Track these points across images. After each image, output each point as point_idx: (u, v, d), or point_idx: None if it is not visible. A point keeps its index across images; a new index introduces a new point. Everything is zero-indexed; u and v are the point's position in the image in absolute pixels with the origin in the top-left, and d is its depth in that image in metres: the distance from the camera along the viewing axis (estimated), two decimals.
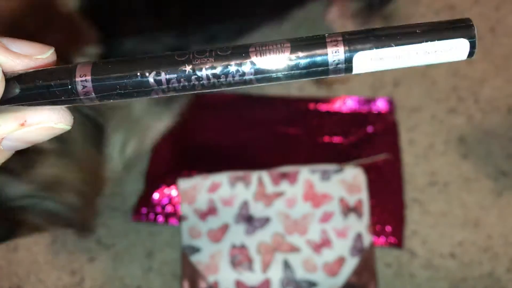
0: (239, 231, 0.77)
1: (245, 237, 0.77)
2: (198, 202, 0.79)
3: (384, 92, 0.93)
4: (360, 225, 0.78)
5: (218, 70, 0.21)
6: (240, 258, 0.76)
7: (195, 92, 0.21)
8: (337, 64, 0.20)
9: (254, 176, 0.80)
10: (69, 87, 0.21)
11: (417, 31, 0.20)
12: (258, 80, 0.21)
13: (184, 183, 0.80)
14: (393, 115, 0.89)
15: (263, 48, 0.20)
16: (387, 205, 0.81)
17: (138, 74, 0.21)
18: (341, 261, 0.75)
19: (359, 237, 0.77)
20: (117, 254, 0.81)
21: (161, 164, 0.85)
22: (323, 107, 0.90)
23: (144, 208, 0.82)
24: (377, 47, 0.20)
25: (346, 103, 0.90)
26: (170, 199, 0.82)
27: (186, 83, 0.21)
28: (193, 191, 0.80)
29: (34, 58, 0.22)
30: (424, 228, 0.82)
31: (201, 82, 0.21)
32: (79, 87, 0.21)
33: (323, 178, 0.79)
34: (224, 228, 0.78)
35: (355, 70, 0.20)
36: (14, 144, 0.23)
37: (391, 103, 0.90)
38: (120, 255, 0.81)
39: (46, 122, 0.22)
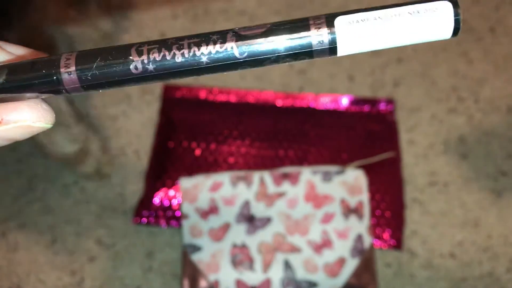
0: (240, 231, 0.78)
1: (246, 237, 0.77)
2: (200, 201, 0.79)
3: (384, 92, 0.93)
4: (360, 226, 0.78)
5: (204, 50, 0.20)
6: (241, 257, 0.76)
7: (182, 76, 0.21)
8: (321, 44, 0.20)
9: (256, 176, 0.80)
10: (54, 78, 0.21)
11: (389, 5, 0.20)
12: (245, 62, 0.20)
13: (186, 182, 0.80)
14: (393, 115, 0.90)
15: (246, 31, 0.20)
16: (387, 206, 0.81)
17: (123, 62, 0.21)
18: (341, 261, 0.76)
19: (359, 238, 0.77)
20: (117, 254, 0.81)
21: (161, 166, 0.85)
22: (323, 107, 0.90)
23: (144, 212, 0.82)
24: (357, 12, 0.20)
25: (346, 103, 0.90)
26: (171, 202, 0.82)
27: (171, 64, 0.21)
28: (195, 190, 0.80)
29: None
30: (424, 228, 0.82)
31: (187, 62, 0.20)
32: (65, 78, 0.21)
33: (324, 179, 0.80)
34: (225, 227, 0.78)
35: (340, 50, 0.20)
36: None
37: (391, 103, 0.90)
38: (120, 255, 0.81)
39: (24, 120, 0.22)
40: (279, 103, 0.91)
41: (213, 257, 0.77)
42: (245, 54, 0.20)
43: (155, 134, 0.89)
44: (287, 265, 0.76)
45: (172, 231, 0.82)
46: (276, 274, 0.76)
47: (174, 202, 0.82)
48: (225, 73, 0.21)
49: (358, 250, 0.77)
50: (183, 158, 0.84)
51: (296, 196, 0.79)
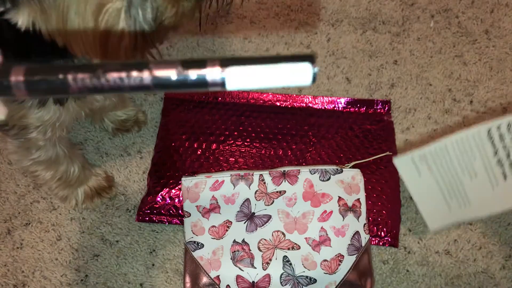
0: (240, 228, 0.79)
1: (246, 234, 0.79)
2: (201, 200, 0.81)
3: (381, 93, 0.95)
4: (357, 224, 0.79)
5: (123, 75, 0.25)
6: (241, 254, 0.78)
7: (104, 92, 0.26)
8: (214, 80, 0.25)
9: (256, 175, 0.81)
10: (5, 84, 0.26)
11: (274, 58, 0.25)
12: (155, 86, 0.25)
13: (187, 181, 0.82)
14: (389, 116, 0.91)
15: (159, 64, 0.26)
16: (384, 205, 0.83)
17: (61, 76, 0.26)
18: (339, 258, 0.77)
19: (357, 235, 0.78)
20: (120, 251, 0.82)
21: (163, 165, 0.86)
22: (321, 108, 0.91)
23: (147, 210, 0.84)
24: (243, 65, 0.25)
25: (344, 104, 0.92)
26: (173, 201, 0.83)
27: (97, 84, 0.26)
28: (196, 189, 0.81)
29: None
30: (420, 225, 0.84)
31: (109, 83, 0.26)
32: (13, 86, 0.26)
33: (322, 178, 0.81)
34: (226, 225, 0.79)
35: (228, 86, 0.25)
36: None
37: (387, 104, 0.92)
38: (123, 252, 0.82)
39: None
40: (279, 104, 0.92)
41: (214, 254, 0.78)
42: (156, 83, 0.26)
43: (158, 134, 0.90)
44: (287, 262, 0.77)
45: (174, 229, 0.84)
46: (276, 270, 0.77)
47: (176, 200, 0.83)
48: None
49: (356, 247, 0.78)
50: (185, 158, 0.85)
51: (295, 195, 0.80)
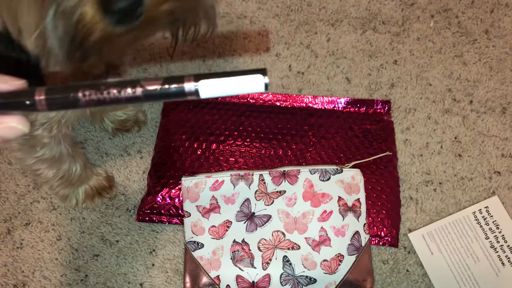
0: (240, 228, 0.79)
1: (246, 234, 0.79)
2: (201, 200, 0.81)
3: (381, 93, 0.95)
4: (357, 224, 0.79)
5: (120, 90, 0.32)
6: (241, 254, 0.78)
7: (106, 104, 0.32)
8: (190, 91, 0.31)
9: (256, 175, 0.82)
10: (31, 102, 0.33)
11: (236, 72, 0.32)
12: (145, 97, 0.32)
13: (187, 181, 0.82)
14: (389, 115, 0.91)
15: (147, 81, 0.32)
16: (384, 205, 0.83)
17: (73, 94, 0.32)
18: (339, 258, 0.77)
19: (356, 235, 0.78)
20: (120, 251, 0.82)
21: (163, 165, 0.86)
22: (321, 108, 0.91)
23: (147, 210, 0.84)
24: (210, 78, 0.32)
25: (344, 104, 0.92)
26: (173, 201, 0.83)
27: (101, 98, 0.32)
28: (196, 189, 0.81)
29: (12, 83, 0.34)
30: (419, 225, 0.84)
31: (110, 96, 0.32)
32: (37, 103, 0.33)
33: (322, 178, 0.81)
34: (226, 225, 0.79)
35: (201, 94, 0.31)
36: None
37: (387, 104, 0.92)
38: (123, 252, 0.82)
39: (9, 123, 0.34)
40: (279, 104, 0.92)
41: (214, 254, 0.78)
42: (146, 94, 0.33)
43: (158, 134, 0.90)
44: (286, 262, 0.77)
45: (174, 229, 0.84)
46: (276, 270, 0.77)
47: (176, 200, 0.83)
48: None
49: (356, 247, 0.78)
50: (185, 158, 0.85)
51: (295, 195, 0.80)
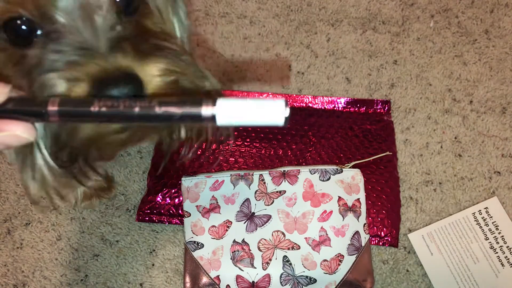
0: (240, 228, 0.79)
1: (246, 234, 0.79)
2: (201, 200, 0.81)
3: (381, 93, 0.95)
4: (357, 224, 0.79)
5: (137, 108, 0.32)
6: (241, 254, 0.78)
7: (117, 121, 0.33)
8: (206, 116, 0.31)
9: (256, 175, 0.82)
10: (43, 111, 0.32)
11: (254, 98, 0.31)
12: (162, 117, 0.32)
13: (187, 181, 0.82)
14: (389, 115, 0.91)
15: (165, 101, 0.32)
16: (384, 205, 0.83)
17: (85, 108, 0.32)
18: (339, 258, 0.77)
19: (356, 235, 0.79)
20: (120, 251, 0.82)
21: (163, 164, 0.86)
22: (321, 108, 0.91)
23: (147, 210, 0.84)
24: (232, 102, 0.31)
25: (344, 104, 0.92)
26: (173, 201, 0.83)
27: (115, 112, 0.32)
28: (196, 189, 0.81)
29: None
30: (419, 226, 0.84)
31: (123, 113, 0.32)
32: (50, 113, 0.32)
33: (322, 178, 0.81)
34: (226, 225, 0.79)
35: (218, 122, 0.31)
36: None
37: (387, 104, 0.92)
38: (123, 252, 0.82)
39: (14, 131, 0.33)
40: None
41: (214, 254, 0.78)
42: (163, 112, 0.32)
43: None
44: (286, 262, 0.77)
45: (174, 229, 0.84)
46: (276, 270, 0.77)
47: (176, 200, 0.83)
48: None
49: (355, 247, 0.78)
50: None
51: (295, 195, 0.80)
